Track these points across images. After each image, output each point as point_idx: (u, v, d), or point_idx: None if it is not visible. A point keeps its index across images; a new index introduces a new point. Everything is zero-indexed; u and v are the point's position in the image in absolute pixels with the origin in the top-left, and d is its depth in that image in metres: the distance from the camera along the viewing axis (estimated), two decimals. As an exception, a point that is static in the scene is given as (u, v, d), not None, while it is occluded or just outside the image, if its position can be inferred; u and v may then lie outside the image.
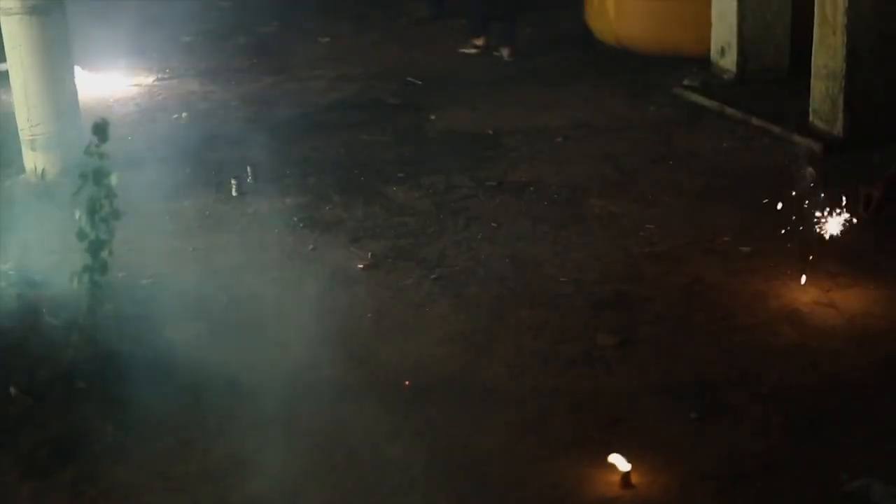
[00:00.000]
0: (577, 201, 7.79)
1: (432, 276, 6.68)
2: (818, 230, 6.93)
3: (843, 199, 6.79)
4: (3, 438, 5.07)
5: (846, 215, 6.72)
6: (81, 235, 5.50)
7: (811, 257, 6.60)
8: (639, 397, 5.31)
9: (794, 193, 6.92)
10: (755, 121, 9.19)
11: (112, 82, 10.95)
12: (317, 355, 5.75)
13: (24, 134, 8.17)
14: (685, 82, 10.17)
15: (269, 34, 12.91)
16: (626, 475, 4.64)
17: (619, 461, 4.70)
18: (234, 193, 8.00)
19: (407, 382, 5.52)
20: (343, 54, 12.06)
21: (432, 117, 9.80)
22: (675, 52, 10.80)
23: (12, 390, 5.32)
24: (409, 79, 11.04)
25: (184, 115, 10.06)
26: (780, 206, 7.14)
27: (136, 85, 10.94)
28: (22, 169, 8.24)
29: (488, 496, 4.61)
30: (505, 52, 11.55)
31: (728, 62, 10.21)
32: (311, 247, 7.15)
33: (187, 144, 9.04)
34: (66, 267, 5.61)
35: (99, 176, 5.50)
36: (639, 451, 4.84)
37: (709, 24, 10.44)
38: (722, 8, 10.21)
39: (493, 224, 7.43)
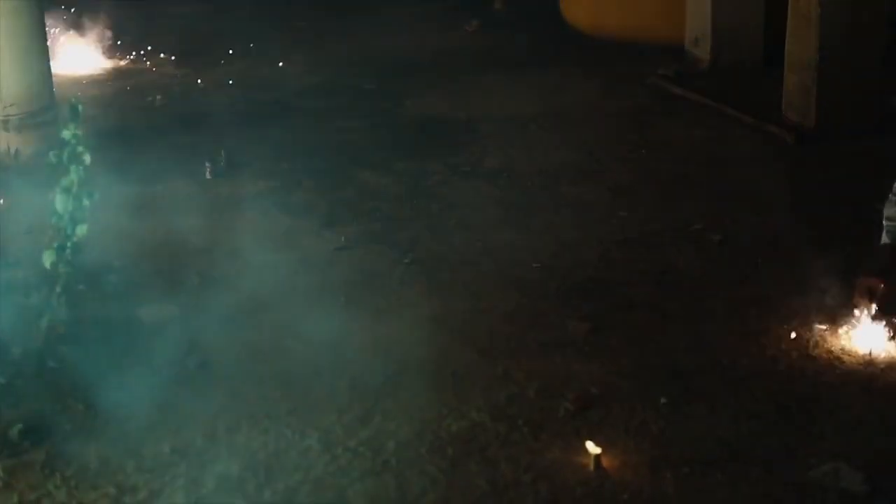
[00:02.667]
0: (550, 188, 7.82)
1: (405, 261, 6.69)
2: (790, 218, 7.00)
3: (814, 190, 6.86)
4: (-26, 418, 5.07)
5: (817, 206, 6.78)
6: (55, 216, 5.49)
7: (782, 245, 6.67)
8: (609, 383, 5.32)
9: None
10: (728, 110, 9.24)
11: (87, 64, 10.92)
12: (289, 338, 5.75)
13: (-2, 114, 8.15)
14: (659, 71, 10.22)
15: (245, 18, 12.90)
16: (597, 459, 4.67)
17: (589, 445, 4.72)
18: (207, 176, 8.00)
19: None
20: (319, 39, 12.07)
21: (406, 103, 9.82)
22: (649, 42, 10.84)
23: (-17, 370, 5.32)
24: (383, 65, 11.05)
25: (158, 97, 10.05)
26: (751, 194, 7.20)
27: (110, 67, 10.93)
28: (-5, 149, 8.21)
29: (459, 479, 4.63)
30: (474, 24, 11.85)
31: (702, 52, 10.27)
32: (283, 230, 7.15)
33: (161, 127, 9.04)
34: (39, 247, 5.59)
35: (73, 156, 5.49)
36: (609, 436, 4.87)
37: (683, 14, 10.49)
38: (697, -2, 10.27)
39: (466, 210, 7.44)
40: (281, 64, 11.19)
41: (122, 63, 11.07)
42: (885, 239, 5.74)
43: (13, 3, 7.92)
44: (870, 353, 5.49)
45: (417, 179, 7.99)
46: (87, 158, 5.52)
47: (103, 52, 11.31)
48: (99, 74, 10.71)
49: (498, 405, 5.16)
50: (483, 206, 7.49)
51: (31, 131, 8.08)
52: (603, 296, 6.23)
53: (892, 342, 5.54)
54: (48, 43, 8.46)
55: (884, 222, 5.77)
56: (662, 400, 5.16)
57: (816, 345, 5.60)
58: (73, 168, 5.49)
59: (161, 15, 12.72)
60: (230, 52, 11.55)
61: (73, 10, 11.75)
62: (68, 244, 5.51)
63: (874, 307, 5.63)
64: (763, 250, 6.69)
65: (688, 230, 7.03)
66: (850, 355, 5.50)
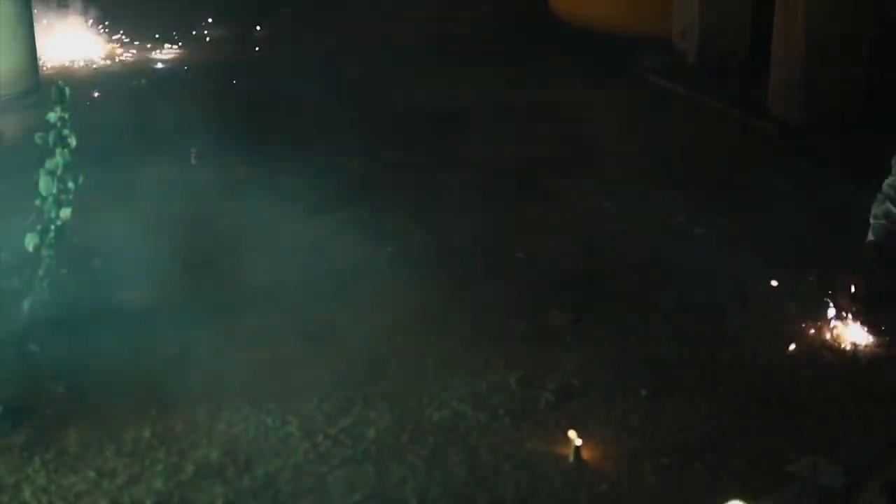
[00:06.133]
0: (536, 179, 7.82)
1: (389, 249, 6.69)
2: (773, 212, 7.00)
3: (798, 184, 6.88)
4: (-45, 400, 5.05)
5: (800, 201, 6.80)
6: (39, 199, 5.48)
7: (765, 239, 6.69)
8: (591, 374, 5.33)
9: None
10: (714, 104, 9.25)
11: (72, 48, 10.89)
12: (271, 325, 5.75)
13: (-17, 98, 8.11)
14: (646, 64, 10.22)
15: (230, 4, 12.86)
16: (577, 449, 4.67)
17: (572, 435, 4.72)
18: (192, 162, 7.98)
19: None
20: (306, 26, 12.04)
21: (394, 92, 9.81)
22: (637, 35, 10.85)
23: (-35, 353, 5.30)
24: (371, 54, 11.04)
25: (143, 82, 10.03)
26: (735, 188, 7.21)
27: (95, 51, 10.89)
28: (-20, 132, 8.18)
29: (440, 467, 4.63)
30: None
31: (689, 45, 10.29)
32: (268, 218, 7.14)
33: (146, 112, 9.01)
34: (22, 230, 5.58)
35: (58, 139, 5.48)
36: (590, 427, 4.87)
37: (671, 8, 10.50)
38: (684, -8, 10.28)
39: (451, 199, 7.44)
40: (267, 51, 11.17)
41: (107, 47, 11.02)
42: (870, 236, 5.75)
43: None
44: (850, 349, 5.50)
45: (403, 169, 7.98)
46: (73, 141, 5.51)
47: (88, 37, 11.27)
48: (84, 59, 10.67)
49: (479, 394, 5.16)
50: (468, 197, 7.49)
51: (16, 114, 8.04)
52: (586, 287, 6.24)
53: (873, 338, 5.56)
54: (34, 28, 8.40)
55: (871, 220, 5.77)
56: (643, 392, 5.17)
57: (797, 339, 5.61)
58: (58, 151, 5.48)
59: (146, 3, 12.68)
60: (216, 38, 11.52)
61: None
62: (52, 227, 5.51)
63: (856, 304, 5.64)
64: (746, 244, 6.70)
65: (672, 222, 7.04)
66: (830, 350, 5.52)
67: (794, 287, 6.06)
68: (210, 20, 12.18)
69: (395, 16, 12.53)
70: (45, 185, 5.47)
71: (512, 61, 10.76)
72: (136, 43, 11.34)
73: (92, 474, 4.57)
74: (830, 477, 4.52)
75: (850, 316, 5.64)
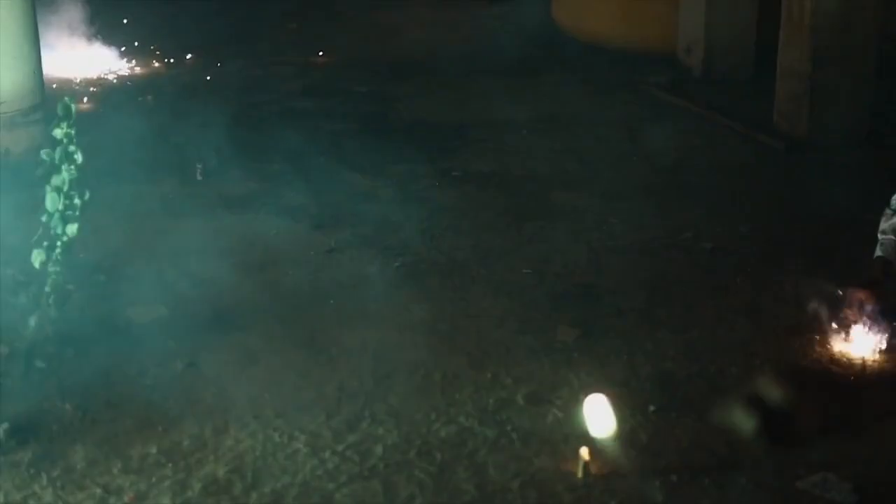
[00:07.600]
0: (541, 194, 7.81)
1: (395, 264, 6.68)
2: (780, 227, 6.99)
3: (804, 199, 6.87)
4: (-39, 416, 5.04)
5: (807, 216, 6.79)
6: (45, 214, 5.47)
7: (772, 254, 6.68)
8: (599, 389, 5.29)
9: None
10: (719, 119, 9.25)
11: (78, 63, 10.90)
12: (278, 341, 5.74)
13: (-11, 113, 8.10)
14: (651, 79, 10.23)
15: (236, 19, 12.89)
16: (586, 466, 4.66)
17: (582, 451, 4.70)
18: (197, 177, 7.98)
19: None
20: (311, 41, 12.06)
21: (398, 106, 9.82)
22: (642, 50, 10.85)
23: (-28, 369, 5.29)
24: (376, 68, 11.05)
25: (149, 97, 10.03)
26: (741, 203, 7.20)
27: (101, 66, 10.90)
28: (-15, 148, 8.17)
29: (447, 484, 4.62)
30: None
31: (695, 60, 10.29)
32: (274, 232, 7.14)
33: (152, 127, 9.01)
34: (28, 247, 5.57)
35: (64, 156, 5.47)
36: (598, 443, 4.86)
37: (676, 23, 10.51)
38: (689, 6, 10.29)
39: (456, 214, 7.44)
40: (272, 65, 11.18)
41: (113, 64, 11.03)
42: (878, 252, 5.73)
43: (4, 3, 7.86)
44: (859, 365, 5.49)
45: (408, 183, 7.98)
46: (79, 157, 5.51)
47: (93, 52, 11.27)
48: (89, 74, 10.68)
49: (487, 410, 5.15)
50: (473, 211, 7.49)
51: (22, 130, 8.02)
52: (593, 302, 6.23)
53: (880, 354, 5.54)
54: (39, 42, 8.39)
55: (878, 235, 5.76)
56: (651, 407, 5.15)
57: (805, 355, 5.60)
58: (64, 167, 5.48)
59: (153, 16, 12.70)
60: (222, 53, 11.53)
61: (61, 8, 11.70)
62: (58, 243, 5.50)
63: (863, 319, 5.62)
64: (753, 259, 6.70)
65: (678, 238, 7.03)
66: (838, 366, 5.50)
67: (802, 302, 6.04)
68: (214, 35, 12.19)
69: (398, 30, 12.55)
70: (51, 201, 5.46)
71: (516, 75, 10.77)
72: (142, 59, 11.34)
73: (99, 491, 4.56)
74: (840, 494, 4.51)
75: (858, 331, 5.62)
